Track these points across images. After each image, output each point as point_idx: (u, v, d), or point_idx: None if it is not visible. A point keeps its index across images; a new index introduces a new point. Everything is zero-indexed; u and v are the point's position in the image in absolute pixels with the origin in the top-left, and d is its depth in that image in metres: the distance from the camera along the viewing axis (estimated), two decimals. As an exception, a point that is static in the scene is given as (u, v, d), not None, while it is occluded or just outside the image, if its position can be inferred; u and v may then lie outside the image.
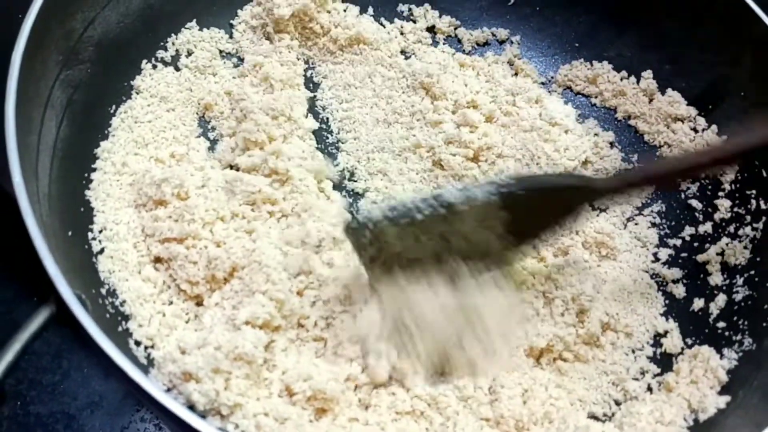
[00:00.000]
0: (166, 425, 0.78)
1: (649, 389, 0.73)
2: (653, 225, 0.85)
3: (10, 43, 0.67)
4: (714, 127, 0.88)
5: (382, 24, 0.98)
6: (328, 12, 0.94)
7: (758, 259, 0.78)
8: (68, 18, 0.74)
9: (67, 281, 0.55)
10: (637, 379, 0.73)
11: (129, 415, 0.79)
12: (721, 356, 0.73)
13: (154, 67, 0.86)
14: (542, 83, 0.97)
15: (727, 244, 0.81)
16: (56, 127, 0.71)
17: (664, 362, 0.75)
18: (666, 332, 0.77)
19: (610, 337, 0.76)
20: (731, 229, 0.82)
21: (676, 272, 0.81)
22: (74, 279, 0.61)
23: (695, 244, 0.83)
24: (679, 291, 0.80)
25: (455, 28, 1.00)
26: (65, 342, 0.82)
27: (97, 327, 0.53)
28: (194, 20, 0.91)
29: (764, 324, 0.72)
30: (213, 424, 0.59)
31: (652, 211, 0.86)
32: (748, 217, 0.81)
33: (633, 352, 0.75)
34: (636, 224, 0.85)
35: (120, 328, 0.67)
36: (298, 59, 0.93)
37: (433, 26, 1.00)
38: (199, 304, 0.72)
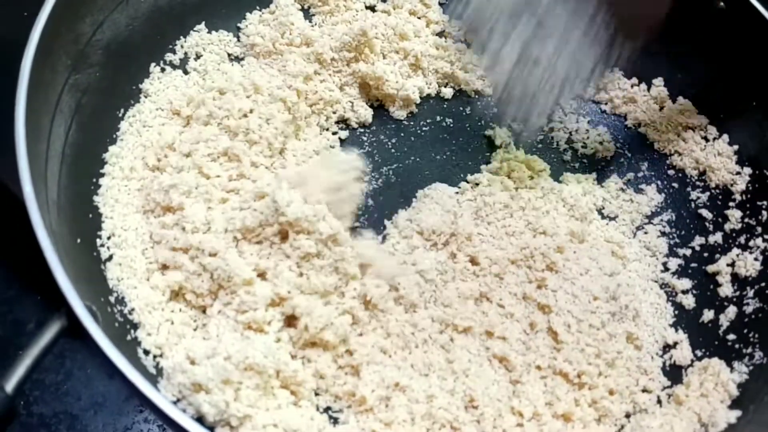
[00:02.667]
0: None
1: (659, 402, 0.72)
2: (663, 234, 0.85)
3: (18, 44, 0.66)
4: (725, 136, 0.88)
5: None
6: None
7: (769, 271, 0.78)
8: (77, 22, 0.73)
9: (77, 293, 0.54)
10: (646, 392, 0.73)
11: (132, 416, 0.79)
12: (732, 369, 0.72)
13: (163, 70, 0.85)
14: (552, 89, 0.96)
15: (737, 255, 0.81)
16: (65, 133, 0.70)
17: (674, 374, 0.74)
18: (675, 344, 0.77)
19: (620, 348, 0.75)
20: (742, 240, 0.81)
21: (685, 282, 0.81)
22: (83, 288, 0.60)
23: (705, 255, 0.83)
24: (689, 302, 0.80)
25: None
26: (69, 342, 0.82)
27: (108, 341, 0.53)
28: (203, 23, 0.90)
29: (775, 337, 0.72)
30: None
31: (662, 221, 0.86)
32: (759, 228, 0.81)
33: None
34: (646, 233, 0.85)
35: (129, 337, 0.66)
36: None
37: (443, 31, 0.98)
38: (205, 311, 0.71)
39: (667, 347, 0.76)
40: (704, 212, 0.85)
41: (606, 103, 0.95)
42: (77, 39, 0.73)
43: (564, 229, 0.81)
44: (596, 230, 0.83)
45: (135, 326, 0.67)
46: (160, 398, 0.51)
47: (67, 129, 0.71)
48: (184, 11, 0.88)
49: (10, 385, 0.50)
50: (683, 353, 0.75)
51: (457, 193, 0.84)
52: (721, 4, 0.86)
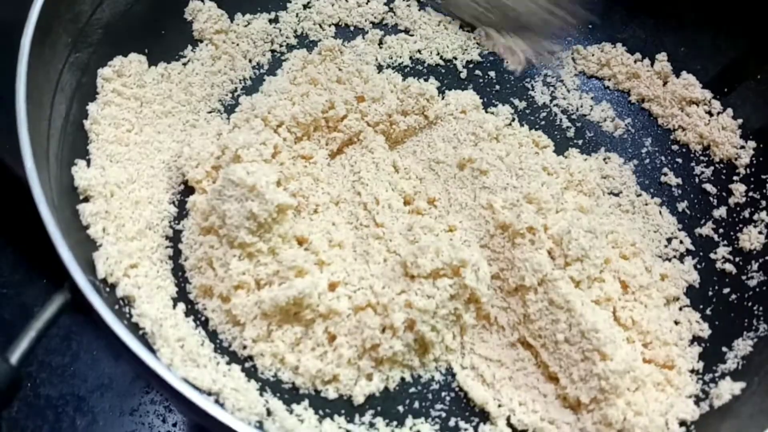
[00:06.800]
0: (177, 409, 0.78)
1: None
2: (667, 209, 0.84)
3: (19, 26, 0.66)
4: (729, 110, 0.87)
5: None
6: None
7: (773, 244, 0.78)
8: (76, 1, 0.73)
9: (80, 268, 0.55)
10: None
11: (138, 397, 0.80)
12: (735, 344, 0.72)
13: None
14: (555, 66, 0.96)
15: (741, 229, 0.80)
16: (66, 111, 0.71)
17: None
18: (678, 320, 0.76)
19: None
20: (746, 213, 0.81)
21: (689, 257, 0.81)
22: (86, 264, 0.61)
23: (710, 229, 0.82)
24: (693, 276, 0.79)
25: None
26: (75, 324, 0.83)
27: (112, 314, 0.53)
28: (203, 2, 0.89)
29: (779, 310, 0.72)
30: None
31: (666, 196, 0.86)
32: (764, 202, 0.80)
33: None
34: (650, 209, 0.85)
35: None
36: None
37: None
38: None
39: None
40: (708, 186, 0.85)
41: (609, 79, 0.94)
42: (77, 18, 0.73)
43: (572, 204, 0.80)
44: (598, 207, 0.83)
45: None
46: (162, 367, 0.51)
47: (68, 107, 0.71)
48: (184, -10, 0.88)
49: (14, 357, 0.51)
50: (687, 327, 0.75)
51: None
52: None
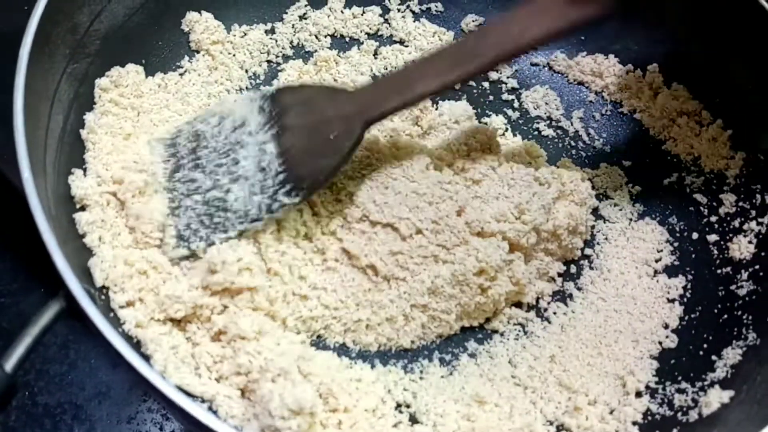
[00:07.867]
0: (173, 417, 0.79)
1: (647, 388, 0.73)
2: (658, 219, 0.86)
3: (18, 36, 0.67)
4: (719, 121, 0.88)
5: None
6: None
7: (763, 254, 0.78)
8: (75, 11, 0.74)
9: (76, 276, 0.55)
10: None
11: (136, 405, 0.80)
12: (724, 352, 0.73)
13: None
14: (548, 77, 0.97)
15: (731, 239, 0.81)
16: (63, 121, 0.71)
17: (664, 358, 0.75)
18: (667, 326, 0.77)
19: (614, 332, 0.76)
20: (736, 223, 0.82)
21: (679, 267, 0.81)
22: (81, 273, 0.61)
23: (699, 239, 0.83)
24: (683, 285, 0.80)
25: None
26: (72, 333, 0.83)
27: (106, 321, 0.54)
28: (200, 14, 0.90)
29: (769, 319, 0.73)
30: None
31: (656, 206, 0.86)
32: (753, 212, 0.81)
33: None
34: (640, 218, 0.86)
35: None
36: None
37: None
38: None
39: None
40: (698, 197, 0.85)
41: (602, 90, 0.95)
42: (75, 28, 0.74)
43: (563, 214, 0.81)
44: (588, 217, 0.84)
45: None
46: (155, 374, 0.52)
47: (65, 118, 0.72)
48: (182, 2, 0.89)
49: (9, 365, 0.51)
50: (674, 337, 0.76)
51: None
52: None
